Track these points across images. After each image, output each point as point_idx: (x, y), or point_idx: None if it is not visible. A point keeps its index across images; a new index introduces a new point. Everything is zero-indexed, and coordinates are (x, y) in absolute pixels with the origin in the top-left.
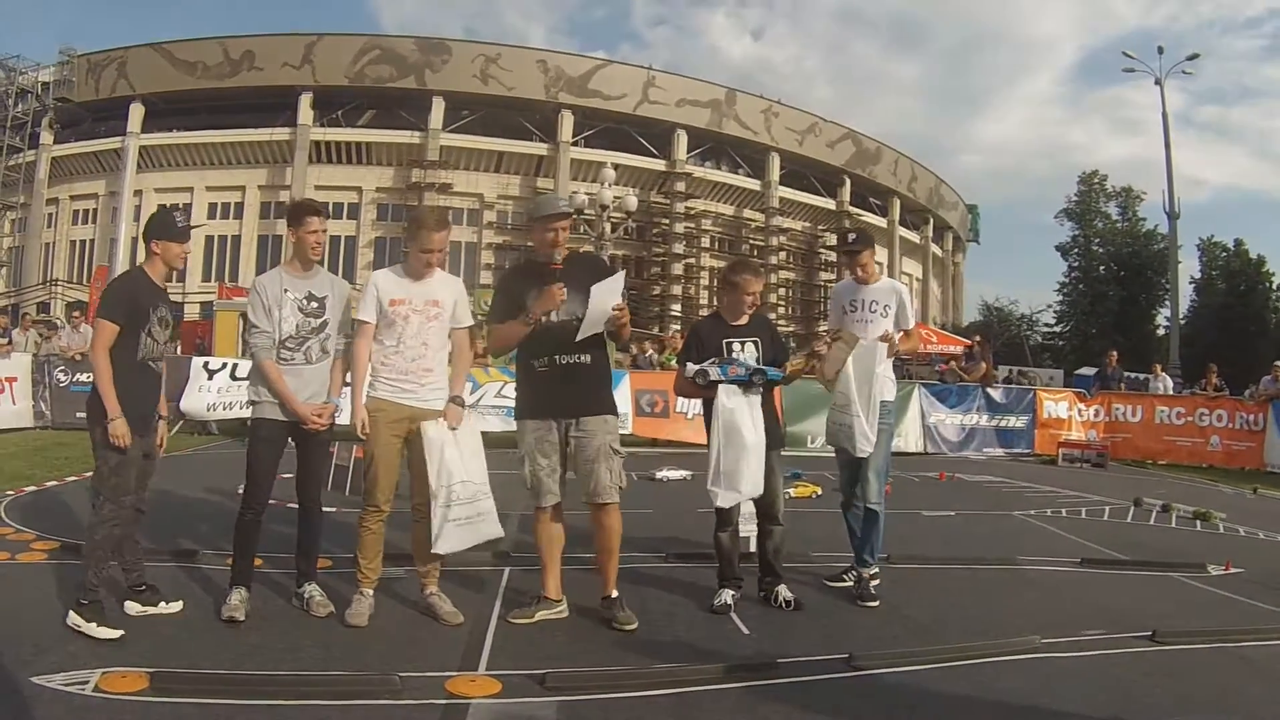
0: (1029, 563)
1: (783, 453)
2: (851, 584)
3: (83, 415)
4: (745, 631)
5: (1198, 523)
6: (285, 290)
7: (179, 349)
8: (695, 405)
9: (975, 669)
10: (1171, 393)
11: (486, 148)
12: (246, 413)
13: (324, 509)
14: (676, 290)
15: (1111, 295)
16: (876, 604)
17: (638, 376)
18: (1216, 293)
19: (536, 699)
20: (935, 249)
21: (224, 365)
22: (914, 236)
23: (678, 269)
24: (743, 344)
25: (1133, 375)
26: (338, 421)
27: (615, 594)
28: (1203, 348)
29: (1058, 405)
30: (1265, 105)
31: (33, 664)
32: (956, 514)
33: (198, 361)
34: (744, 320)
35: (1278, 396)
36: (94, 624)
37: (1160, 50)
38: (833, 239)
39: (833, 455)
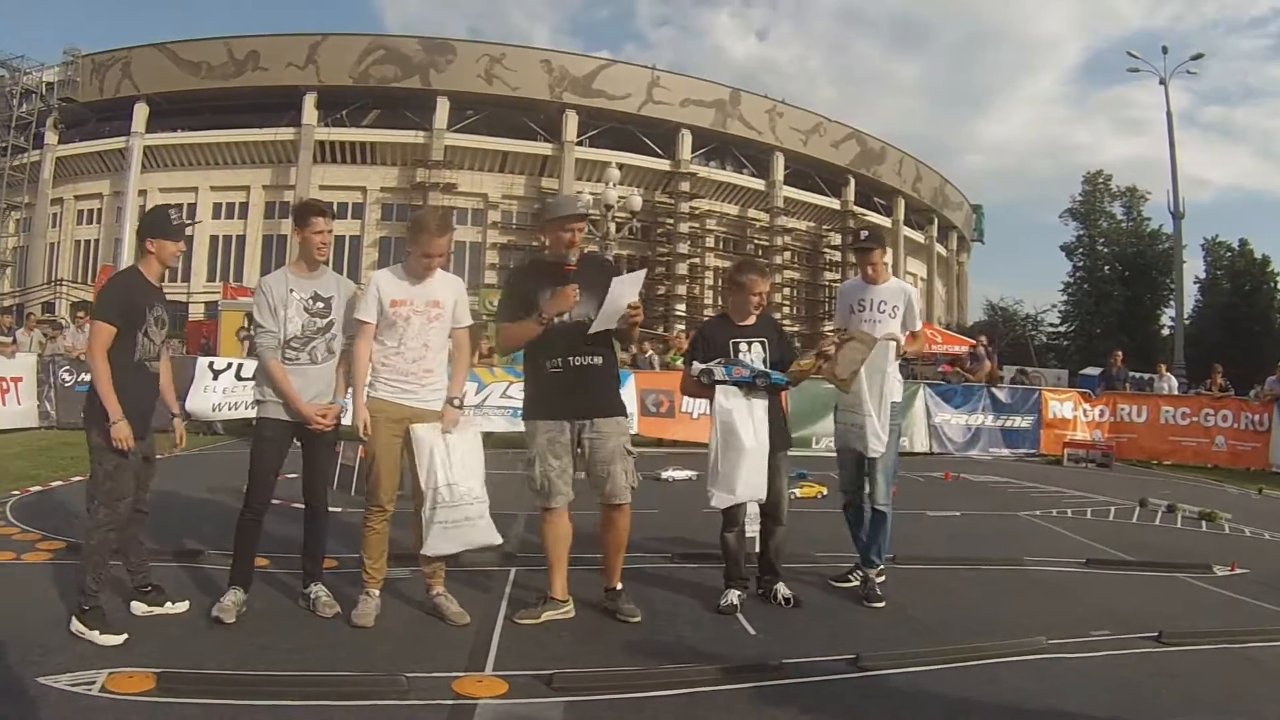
0: (1034, 563)
1: (788, 454)
2: (857, 584)
3: None
4: (752, 632)
5: (1203, 523)
6: (291, 290)
7: (185, 348)
8: (701, 405)
9: (981, 669)
10: (1176, 393)
11: (491, 148)
12: (252, 413)
13: (330, 509)
14: (681, 290)
15: (1116, 295)
16: (882, 604)
17: (643, 376)
18: (1221, 293)
19: (543, 699)
20: (940, 249)
21: (229, 365)
22: (919, 236)
23: (682, 269)
24: (749, 344)
25: (1138, 375)
26: (342, 422)
27: (619, 586)
28: (1208, 348)
29: (1063, 405)
30: (1269, 105)
31: (39, 664)
32: (962, 514)
33: (203, 361)
34: (751, 320)
35: None
36: (96, 631)
37: (1165, 50)
38: (837, 239)
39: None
